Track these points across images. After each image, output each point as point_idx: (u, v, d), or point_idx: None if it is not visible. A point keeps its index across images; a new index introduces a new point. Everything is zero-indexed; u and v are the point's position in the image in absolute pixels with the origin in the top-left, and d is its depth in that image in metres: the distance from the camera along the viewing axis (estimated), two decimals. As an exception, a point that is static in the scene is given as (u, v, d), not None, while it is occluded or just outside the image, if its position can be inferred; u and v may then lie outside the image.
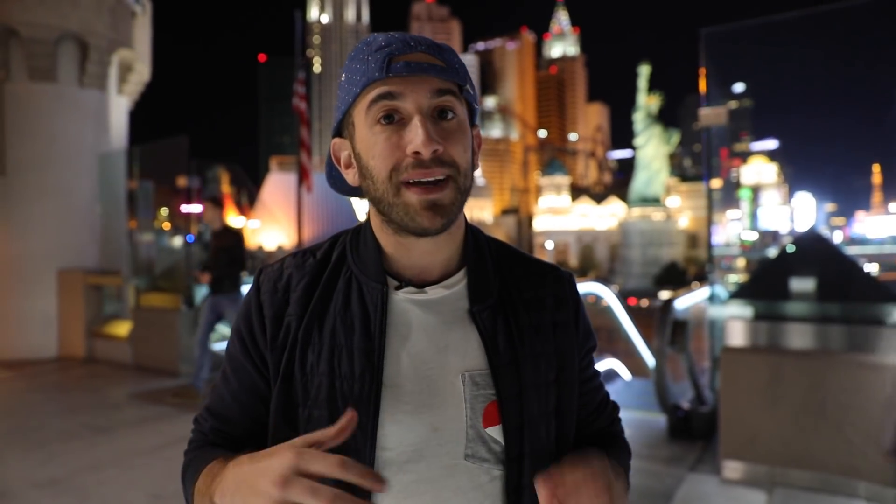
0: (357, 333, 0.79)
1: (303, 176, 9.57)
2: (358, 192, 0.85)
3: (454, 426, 0.78)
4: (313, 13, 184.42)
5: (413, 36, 0.77)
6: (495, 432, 0.79)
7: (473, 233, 0.88)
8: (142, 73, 10.06)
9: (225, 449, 0.86)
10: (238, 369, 0.86)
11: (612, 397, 1.02)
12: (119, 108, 9.58)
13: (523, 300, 0.86)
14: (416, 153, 0.72)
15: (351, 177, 0.83)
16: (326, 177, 0.91)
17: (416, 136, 0.72)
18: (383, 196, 0.76)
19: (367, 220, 0.86)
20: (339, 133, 0.84)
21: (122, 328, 7.97)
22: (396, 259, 0.82)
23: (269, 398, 0.83)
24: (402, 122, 0.75)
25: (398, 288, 0.81)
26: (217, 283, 5.78)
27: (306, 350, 0.80)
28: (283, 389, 0.80)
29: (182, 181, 8.63)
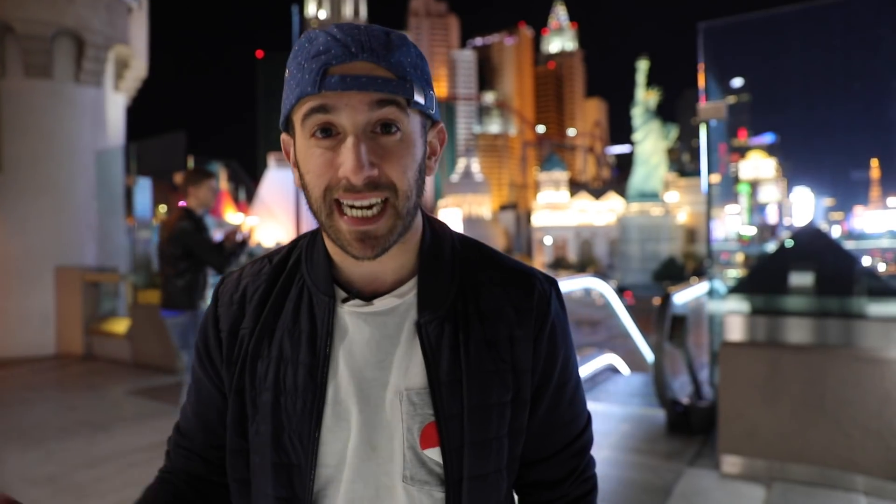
0: (303, 348, 0.76)
1: (301, 172, 9.55)
2: None
3: (392, 446, 0.75)
4: (311, 9, 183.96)
5: (360, 39, 0.68)
6: (435, 454, 0.75)
7: (434, 234, 0.81)
8: (138, 69, 10.02)
9: (186, 468, 0.89)
10: (198, 384, 0.87)
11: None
12: (116, 104, 9.55)
13: (479, 311, 0.78)
14: (347, 179, 0.68)
15: (295, 177, 0.78)
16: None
17: (346, 160, 0.67)
18: (318, 212, 0.72)
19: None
20: (286, 128, 0.79)
21: (121, 325, 7.96)
22: (346, 269, 0.78)
23: (226, 413, 0.83)
24: (339, 136, 0.69)
25: (346, 300, 0.77)
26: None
27: (256, 363, 0.79)
28: (236, 402, 0.80)
29: (179, 178, 8.60)
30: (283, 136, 0.79)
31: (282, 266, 0.84)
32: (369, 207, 0.69)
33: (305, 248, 0.83)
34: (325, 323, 0.77)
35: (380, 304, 0.77)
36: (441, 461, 0.75)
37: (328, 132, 0.69)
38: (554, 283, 0.85)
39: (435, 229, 0.82)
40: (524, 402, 0.79)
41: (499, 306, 0.79)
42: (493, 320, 0.78)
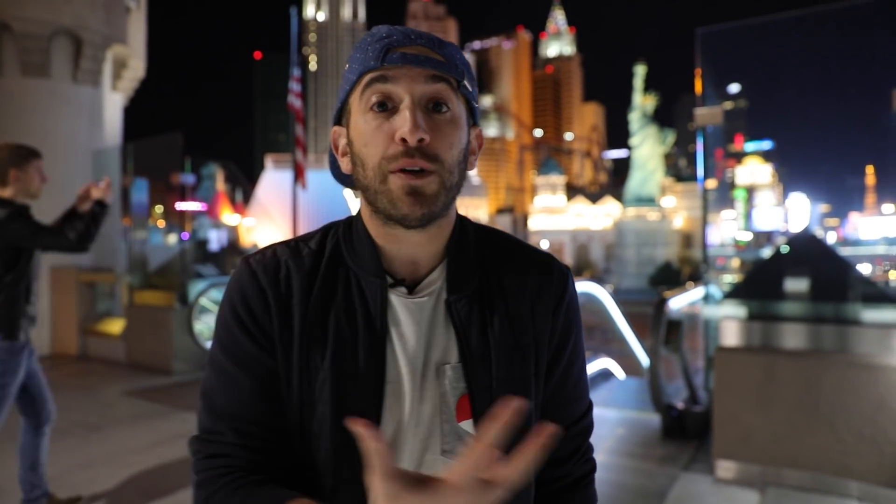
0: (361, 330, 0.78)
1: (298, 173, 9.55)
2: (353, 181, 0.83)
3: (433, 421, 0.79)
4: (309, 11, 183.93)
5: (417, 31, 0.77)
6: (468, 426, 0.79)
7: (461, 224, 0.87)
8: (136, 69, 10.01)
9: (258, 463, 0.76)
10: (247, 361, 0.78)
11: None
12: (113, 104, 9.53)
13: (502, 290, 0.84)
14: (403, 140, 0.72)
15: (345, 164, 0.82)
16: (329, 165, 0.89)
17: (403, 122, 0.72)
18: (371, 183, 0.75)
19: (359, 214, 0.84)
20: (338, 121, 0.83)
21: (116, 326, 7.94)
22: (387, 252, 0.81)
23: (282, 390, 0.79)
24: (395, 110, 0.74)
25: (392, 286, 0.81)
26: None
27: (311, 346, 0.78)
28: (291, 385, 0.78)
29: (176, 178, 8.59)
30: (335, 128, 0.84)
31: (321, 251, 0.84)
32: (420, 169, 0.73)
33: (342, 235, 0.85)
34: (377, 304, 0.79)
35: (420, 290, 0.82)
36: (474, 433, 0.78)
37: (384, 106, 0.74)
38: (569, 269, 0.91)
39: (462, 221, 0.88)
40: (539, 376, 0.84)
41: (521, 284, 0.85)
42: (515, 297, 0.84)
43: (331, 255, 0.83)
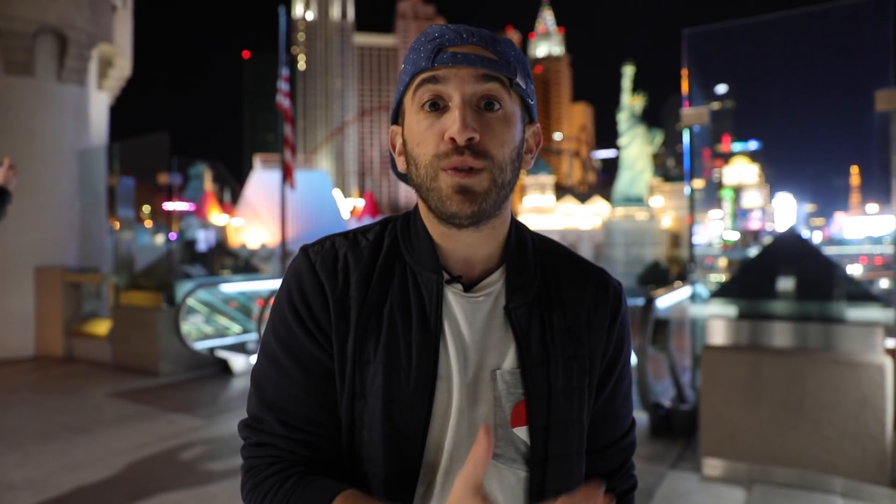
0: (415, 324, 0.78)
1: (286, 173, 9.52)
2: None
3: (485, 424, 0.79)
4: (298, 10, 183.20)
5: (470, 28, 0.77)
6: (523, 433, 0.79)
7: (517, 228, 0.87)
8: (122, 68, 9.93)
9: (303, 455, 0.79)
10: (300, 354, 0.80)
11: None
12: (99, 103, 9.45)
13: (561, 300, 0.84)
14: (452, 139, 0.73)
15: (401, 163, 0.82)
16: (391, 165, 0.89)
17: (453, 122, 0.73)
18: (423, 181, 0.76)
19: (416, 210, 0.85)
20: (395, 120, 0.83)
21: (102, 327, 7.87)
22: (444, 249, 0.81)
23: (335, 383, 0.79)
24: (446, 109, 0.75)
25: (448, 282, 0.81)
26: None
27: (365, 338, 0.78)
28: (346, 375, 0.79)
29: (163, 178, 8.53)
30: (392, 128, 0.84)
31: (379, 244, 0.85)
32: (470, 168, 0.73)
33: (400, 230, 0.85)
34: (433, 300, 0.79)
35: (477, 290, 0.81)
36: (528, 440, 0.79)
37: (435, 106, 0.75)
38: (621, 285, 0.91)
39: (518, 225, 0.88)
40: (592, 389, 0.84)
41: (578, 296, 0.85)
42: (573, 308, 0.84)
43: (389, 248, 0.83)
